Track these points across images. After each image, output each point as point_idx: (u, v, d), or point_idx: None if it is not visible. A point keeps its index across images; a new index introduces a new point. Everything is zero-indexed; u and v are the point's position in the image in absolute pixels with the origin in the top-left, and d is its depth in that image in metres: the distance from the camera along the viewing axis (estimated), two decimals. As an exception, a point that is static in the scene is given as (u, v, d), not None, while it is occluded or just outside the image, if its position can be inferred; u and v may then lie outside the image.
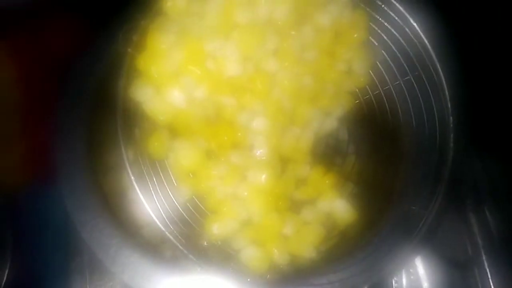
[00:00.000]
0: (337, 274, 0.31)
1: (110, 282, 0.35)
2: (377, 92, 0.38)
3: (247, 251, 0.30)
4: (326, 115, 0.37)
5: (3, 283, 0.35)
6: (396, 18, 0.36)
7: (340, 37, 0.35)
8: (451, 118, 0.34)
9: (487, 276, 0.38)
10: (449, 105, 0.34)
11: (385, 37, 0.37)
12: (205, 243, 0.30)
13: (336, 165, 0.37)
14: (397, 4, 0.35)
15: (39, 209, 0.36)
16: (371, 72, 0.37)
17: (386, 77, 0.38)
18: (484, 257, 0.38)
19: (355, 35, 0.36)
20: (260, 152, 0.34)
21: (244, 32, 0.30)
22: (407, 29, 0.35)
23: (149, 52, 0.29)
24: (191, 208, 0.30)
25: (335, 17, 0.34)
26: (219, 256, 0.30)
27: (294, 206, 0.35)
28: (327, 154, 0.38)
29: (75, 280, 0.35)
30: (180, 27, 0.29)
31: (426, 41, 0.35)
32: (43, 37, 0.37)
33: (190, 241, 0.29)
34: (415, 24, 0.35)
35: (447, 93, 0.35)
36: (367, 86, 0.38)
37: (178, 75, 0.29)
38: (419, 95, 0.36)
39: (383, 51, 0.37)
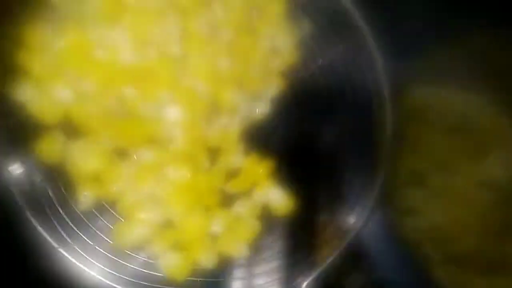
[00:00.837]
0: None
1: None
2: (308, 69, 0.35)
3: (165, 257, 0.27)
4: (255, 99, 0.34)
5: None
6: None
7: (258, 12, 0.32)
8: (384, 91, 0.31)
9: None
10: (382, 77, 0.31)
11: (310, 8, 0.34)
12: (116, 254, 0.27)
13: (271, 151, 0.34)
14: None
15: None
16: (299, 48, 0.34)
17: (317, 52, 0.35)
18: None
19: (275, 9, 0.33)
20: (179, 145, 0.31)
21: (138, 15, 0.27)
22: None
23: (28, 44, 0.26)
24: (99, 216, 0.27)
25: (247, -8, 0.31)
26: (135, 267, 0.27)
27: (226, 201, 0.32)
28: (261, 140, 0.35)
29: None
30: (61, 15, 0.26)
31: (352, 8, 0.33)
32: None
33: (98, 256, 0.26)
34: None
35: (379, 63, 0.33)
36: (297, 64, 0.35)
37: (61, 69, 0.26)
38: (352, 68, 0.33)
39: (309, 24, 0.34)
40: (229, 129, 0.33)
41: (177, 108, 0.30)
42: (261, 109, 0.34)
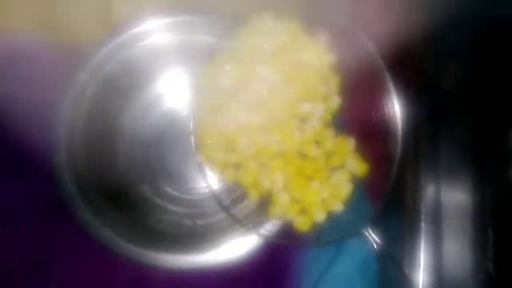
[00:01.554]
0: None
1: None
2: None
3: (296, 219, 0.48)
4: (325, 102, 0.48)
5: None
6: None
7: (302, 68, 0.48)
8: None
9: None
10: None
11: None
12: (272, 221, 0.50)
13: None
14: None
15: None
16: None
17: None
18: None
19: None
20: (290, 150, 0.49)
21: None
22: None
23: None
24: (259, 206, 0.51)
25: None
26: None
27: (329, 174, 0.48)
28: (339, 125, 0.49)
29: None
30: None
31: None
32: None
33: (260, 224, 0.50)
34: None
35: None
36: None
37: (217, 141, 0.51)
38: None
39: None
40: (315, 127, 0.48)
41: (277, 134, 0.49)
42: (333, 104, 0.48)
